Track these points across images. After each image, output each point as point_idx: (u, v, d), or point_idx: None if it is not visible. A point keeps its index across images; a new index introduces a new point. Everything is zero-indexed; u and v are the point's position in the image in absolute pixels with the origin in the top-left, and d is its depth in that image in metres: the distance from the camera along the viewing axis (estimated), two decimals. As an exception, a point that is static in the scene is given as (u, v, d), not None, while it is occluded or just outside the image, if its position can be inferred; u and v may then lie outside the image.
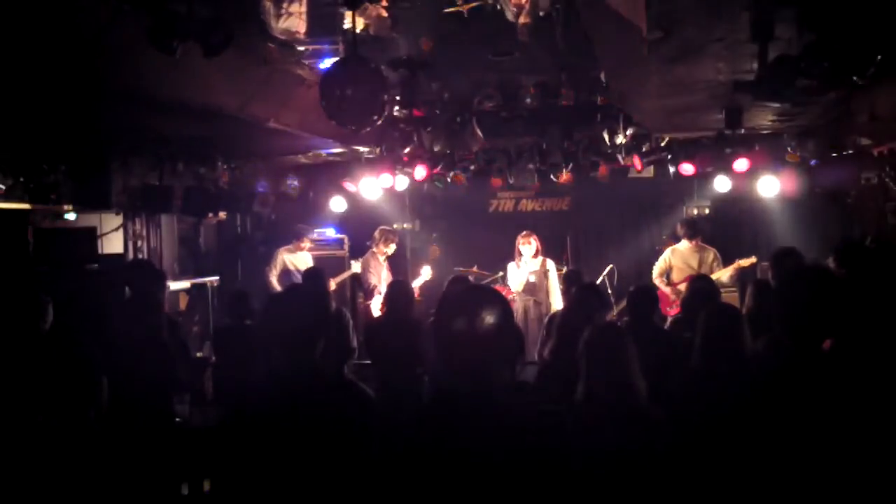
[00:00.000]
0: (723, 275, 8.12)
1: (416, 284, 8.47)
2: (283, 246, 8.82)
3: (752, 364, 3.19)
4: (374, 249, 8.60)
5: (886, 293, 3.57)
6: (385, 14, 5.42)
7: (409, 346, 5.16)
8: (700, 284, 5.12)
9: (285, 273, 8.57)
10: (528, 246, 8.16)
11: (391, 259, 8.78)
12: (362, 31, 5.37)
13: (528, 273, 8.16)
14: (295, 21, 5.01)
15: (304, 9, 4.99)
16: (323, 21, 5.25)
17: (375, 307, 8.37)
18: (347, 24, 5.07)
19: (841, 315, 2.59)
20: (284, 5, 4.97)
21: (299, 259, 8.64)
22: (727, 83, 4.89)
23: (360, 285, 8.89)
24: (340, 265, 9.41)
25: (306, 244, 8.85)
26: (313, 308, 2.57)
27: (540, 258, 8.22)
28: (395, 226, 9.71)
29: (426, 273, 8.88)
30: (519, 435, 1.97)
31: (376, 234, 8.67)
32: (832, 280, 2.70)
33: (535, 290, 8.15)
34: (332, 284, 8.63)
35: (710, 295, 4.73)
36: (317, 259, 8.77)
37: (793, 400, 2.53)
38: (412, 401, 4.87)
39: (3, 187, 6.20)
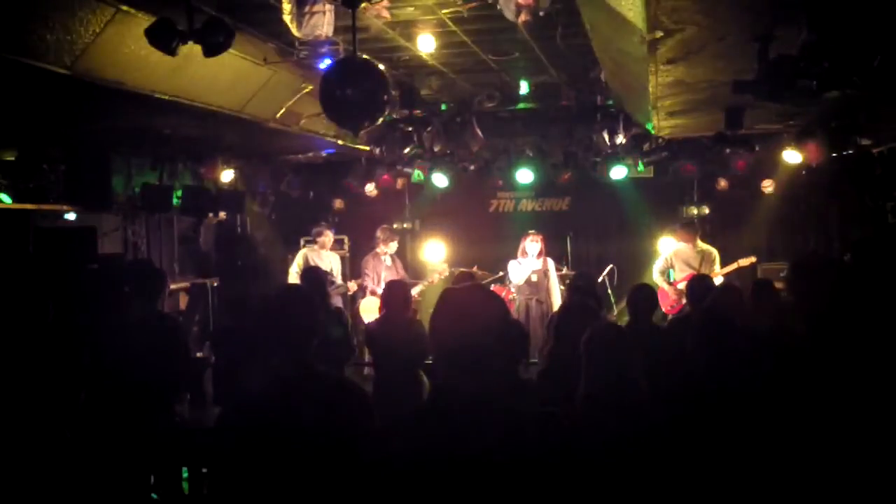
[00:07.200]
0: (723, 274, 8.16)
1: (420, 288, 8.50)
2: (300, 247, 8.83)
3: (751, 363, 3.19)
4: (377, 250, 8.63)
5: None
6: (386, 14, 5.41)
7: (408, 346, 5.15)
8: (701, 282, 5.19)
9: None
10: (535, 244, 8.21)
11: (396, 258, 8.80)
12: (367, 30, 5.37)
13: (531, 271, 8.19)
14: (319, 21, 4.98)
15: (327, 8, 4.95)
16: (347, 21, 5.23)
17: (364, 308, 8.40)
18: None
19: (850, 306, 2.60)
20: (308, 7, 4.94)
21: (324, 259, 8.60)
22: (727, 83, 4.89)
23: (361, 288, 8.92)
24: (341, 265, 9.40)
25: (328, 242, 8.81)
26: (306, 308, 2.57)
27: (542, 258, 8.25)
28: (395, 226, 9.72)
29: (439, 268, 8.84)
30: (518, 434, 1.97)
31: (378, 233, 8.70)
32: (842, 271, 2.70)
33: (537, 288, 8.18)
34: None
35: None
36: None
37: (794, 398, 2.53)
38: (411, 401, 4.87)
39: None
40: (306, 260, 8.55)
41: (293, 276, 8.50)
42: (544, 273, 8.22)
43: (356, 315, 8.70)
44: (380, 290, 8.14)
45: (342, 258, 9.57)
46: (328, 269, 7.89)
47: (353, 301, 9.13)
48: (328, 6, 4.97)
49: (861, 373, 2.57)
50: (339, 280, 8.69)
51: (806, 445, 2.47)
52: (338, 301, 8.35)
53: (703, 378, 3.27)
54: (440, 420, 2.02)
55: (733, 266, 8.30)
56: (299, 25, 4.99)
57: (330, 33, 5.13)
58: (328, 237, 8.80)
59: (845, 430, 2.43)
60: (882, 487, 2.39)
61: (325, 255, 8.70)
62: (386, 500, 2.06)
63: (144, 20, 4.16)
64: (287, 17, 4.93)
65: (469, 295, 2.20)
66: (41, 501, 4.03)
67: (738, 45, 4.03)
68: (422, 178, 9.59)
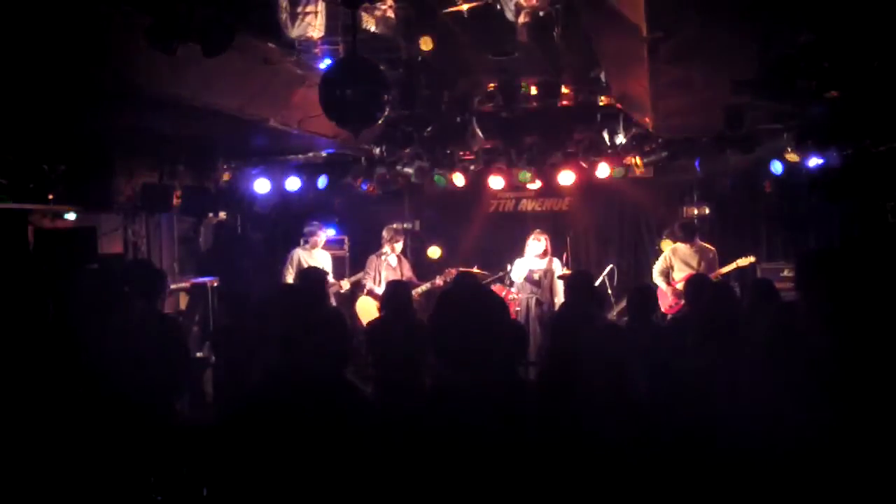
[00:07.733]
0: (722, 274, 8.17)
1: (424, 289, 8.50)
2: (296, 246, 8.82)
3: (750, 363, 3.19)
4: (382, 249, 8.62)
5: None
6: (392, 14, 5.41)
7: (408, 346, 5.15)
8: (699, 282, 5.18)
9: None
10: (537, 242, 8.25)
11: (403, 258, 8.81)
12: (368, 30, 5.37)
13: (532, 270, 8.20)
14: (312, 22, 4.99)
15: (319, 8, 4.96)
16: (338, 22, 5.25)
17: (361, 308, 8.42)
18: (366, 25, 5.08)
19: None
20: (300, 8, 4.95)
21: (315, 258, 8.58)
22: (727, 83, 4.89)
23: (359, 287, 8.92)
24: (341, 265, 9.40)
25: (321, 241, 8.81)
26: (304, 308, 2.58)
27: (547, 258, 8.26)
28: (394, 226, 9.72)
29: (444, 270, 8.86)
30: (517, 434, 1.97)
31: (384, 233, 8.71)
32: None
33: (539, 288, 8.19)
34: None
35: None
36: (317, 259, 8.74)
37: (795, 398, 2.53)
38: (411, 400, 4.87)
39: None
40: (299, 260, 8.55)
41: (286, 277, 8.50)
42: (546, 273, 8.22)
43: (353, 315, 8.70)
44: (379, 291, 8.16)
45: (342, 258, 9.57)
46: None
47: (351, 300, 9.12)
48: (320, 7, 4.99)
49: (869, 370, 2.57)
50: (331, 278, 8.68)
51: (808, 444, 2.47)
52: (332, 300, 8.35)
53: (701, 378, 3.27)
54: (439, 419, 2.02)
55: (733, 266, 8.31)
56: (292, 25, 5.01)
57: (322, 34, 5.13)
58: (320, 236, 8.79)
59: (849, 429, 2.43)
60: (881, 483, 2.39)
61: (316, 254, 8.68)
62: (385, 499, 2.06)
63: (144, 20, 4.16)
64: (283, 17, 4.95)
65: (469, 295, 2.21)
66: (41, 502, 4.03)
67: (738, 45, 4.03)
68: (443, 182, 9.52)
